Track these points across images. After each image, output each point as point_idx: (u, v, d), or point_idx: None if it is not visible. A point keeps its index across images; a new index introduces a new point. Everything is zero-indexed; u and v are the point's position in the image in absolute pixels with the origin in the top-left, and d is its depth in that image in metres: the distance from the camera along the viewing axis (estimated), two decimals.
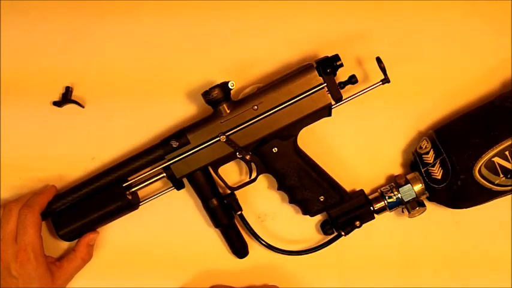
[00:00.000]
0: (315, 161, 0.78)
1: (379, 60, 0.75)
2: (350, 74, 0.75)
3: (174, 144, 0.75)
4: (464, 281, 0.81)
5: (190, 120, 0.78)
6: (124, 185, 0.77)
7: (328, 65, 0.74)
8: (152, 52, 0.83)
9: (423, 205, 0.77)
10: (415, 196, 0.77)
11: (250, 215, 0.80)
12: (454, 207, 0.78)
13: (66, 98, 0.81)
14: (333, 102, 0.75)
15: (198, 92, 0.76)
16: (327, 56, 0.75)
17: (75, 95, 0.82)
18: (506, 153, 0.71)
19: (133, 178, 0.78)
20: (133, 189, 0.78)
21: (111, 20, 0.83)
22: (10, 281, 0.72)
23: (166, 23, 0.83)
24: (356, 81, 0.75)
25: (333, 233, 0.79)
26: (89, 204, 0.77)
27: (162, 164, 0.76)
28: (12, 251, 0.73)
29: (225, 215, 0.78)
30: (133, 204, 0.78)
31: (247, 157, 0.76)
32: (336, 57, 0.74)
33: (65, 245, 0.81)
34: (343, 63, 0.74)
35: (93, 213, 0.76)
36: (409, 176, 0.78)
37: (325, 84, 0.74)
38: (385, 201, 0.78)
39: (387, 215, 0.79)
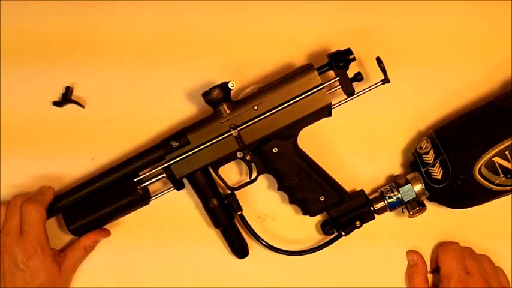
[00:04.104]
0: (315, 161, 0.78)
1: (379, 60, 0.75)
2: (352, 74, 0.75)
3: (174, 144, 0.75)
4: None
5: (190, 120, 0.78)
6: (135, 180, 0.77)
7: (341, 59, 0.73)
8: (152, 52, 0.83)
9: (423, 205, 0.77)
10: (415, 196, 0.76)
11: (250, 215, 0.80)
12: (454, 207, 0.78)
13: (66, 98, 0.81)
14: (333, 102, 0.75)
15: (198, 92, 0.76)
16: (339, 50, 0.75)
17: (75, 95, 0.83)
18: (507, 153, 0.71)
19: (145, 173, 0.78)
20: (144, 185, 0.77)
21: (111, 20, 0.83)
22: (17, 275, 0.73)
23: (166, 23, 0.83)
24: (362, 79, 0.75)
25: (333, 233, 0.79)
26: (99, 199, 0.77)
27: (162, 165, 0.76)
28: (18, 245, 0.73)
29: (225, 215, 0.78)
30: (144, 198, 0.78)
31: (248, 157, 0.76)
32: (348, 51, 0.74)
33: (68, 240, 0.81)
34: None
35: (104, 208, 0.76)
36: (409, 176, 0.78)
37: (337, 78, 0.74)
38: (385, 201, 0.77)
39: (387, 215, 0.79)
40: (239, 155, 0.76)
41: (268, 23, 0.83)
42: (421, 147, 0.77)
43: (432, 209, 0.79)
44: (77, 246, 0.78)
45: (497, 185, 0.73)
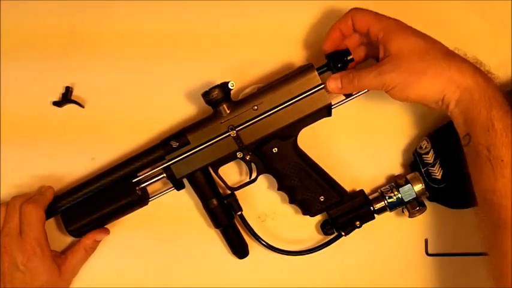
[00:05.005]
0: (315, 161, 0.78)
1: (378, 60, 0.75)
2: None
3: (174, 144, 0.75)
4: (465, 280, 0.80)
5: (190, 120, 0.78)
6: (133, 180, 0.77)
7: (339, 60, 0.73)
8: (152, 52, 0.83)
9: (423, 205, 0.77)
10: (415, 196, 0.76)
11: (250, 215, 0.80)
12: (454, 207, 0.78)
13: (66, 98, 0.81)
14: (333, 102, 0.75)
15: (198, 92, 0.76)
16: (338, 50, 0.74)
17: (75, 95, 0.82)
18: None
19: (143, 174, 0.78)
20: (143, 185, 0.77)
21: (111, 21, 0.84)
22: (17, 276, 0.72)
23: (166, 23, 0.83)
24: None
25: (333, 233, 0.79)
26: (98, 200, 0.77)
27: (162, 165, 0.76)
28: (18, 246, 0.73)
29: (225, 216, 0.78)
30: (143, 199, 0.78)
31: (248, 157, 0.76)
32: (347, 52, 0.74)
33: (68, 242, 0.81)
34: None
35: (103, 209, 0.76)
36: (409, 176, 0.78)
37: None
38: (385, 201, 0.77)
39: (387, 215, 0.79)
40: (239, 155, 0.76)
41: (269, 23, 0.83)
42: (421, 147, 0.77)
43: (432, 209, 0.79)
44: (78, 247, 0.78)
45: None
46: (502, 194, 0.63)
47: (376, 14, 0.72)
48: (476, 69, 0.67)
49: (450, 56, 0.68)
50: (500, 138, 0.64)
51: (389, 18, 0.71)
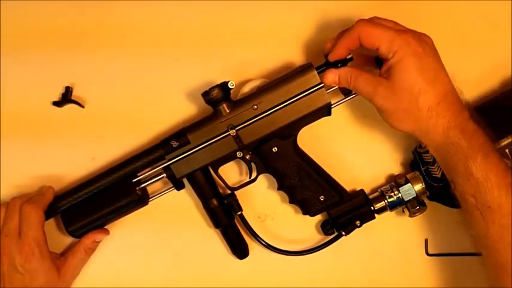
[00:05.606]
0: (314, 161, 0.78)
1: (378, 59, 0.75)
2: None
3: (174, 144, 0.75)
4: (465, 280, 0.80)
5: (190, 120, 0.78)
6: (133, 180, 0.77)
7: (338, 60, 0.73)
8: (152, 52, 0.83)
9: (424, 204, 0.77)
10: (415, 195, 0.76)
11: (250, 215, 0.80)
12: (455, 206, 0.77)
13: (66, 98, 0.82)
14: (333, 101, 0.75)
15: (198, 92, 0.76)
16: None
17: (75, 95, 0.83)
18: (506, 151, 0.71)
19: (143, 174, 0.78)
20: (143, 185, 0.77)
21: (111, 21, 0.84)
22: (16, 277, 0.72)
23: (166, 23, 0.84)
24: None
25: (333, 233, 0.79)
26: (98, 200, 0.77)
27: (162, 164, 0.76)
28: (17, 246, 0.73)
29: (225, 215, 0.78)
30: (143, 199, 0.78)
31: (247, 157, 0.76)
32: None
33: (68, 243, 0.81)
34: None
35: (103, 209, 0.76)
36: (409, 176, 0.77)
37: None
38: (386, 201, 0.77)
39: (388, 214, 0.79)
40: (239, 154, 0.76)
41: (269, 23, 0.83)
42: (420, 146, 0.77)
43: (432, 208, 0.79)
44: (77, 248, 0.77)
45: None
46: (495, 239, 0.64)
47: (385, 31, 0.69)
48: (452, 120, 0.66)
49: (436, 106, 0.67)
50: (482, 185, 0.64)
51: (400, 38, 0.68)
